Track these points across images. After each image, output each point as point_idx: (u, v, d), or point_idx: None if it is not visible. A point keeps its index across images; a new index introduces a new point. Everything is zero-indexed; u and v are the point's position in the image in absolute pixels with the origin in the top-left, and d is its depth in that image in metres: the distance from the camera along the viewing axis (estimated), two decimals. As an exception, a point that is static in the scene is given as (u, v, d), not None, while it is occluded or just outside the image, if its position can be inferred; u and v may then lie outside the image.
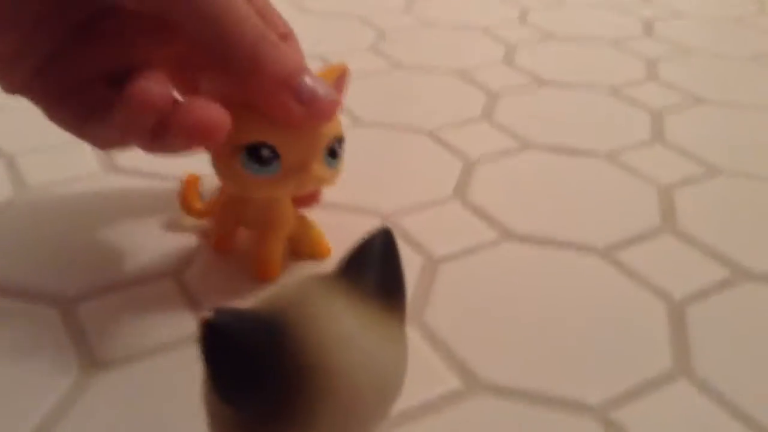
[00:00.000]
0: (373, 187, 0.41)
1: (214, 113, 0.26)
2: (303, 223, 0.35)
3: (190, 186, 0.37)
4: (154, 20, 0.29)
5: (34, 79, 0.29)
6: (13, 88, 0.30)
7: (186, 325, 0.31)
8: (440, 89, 0.54)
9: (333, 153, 0.31)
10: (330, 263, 0.35)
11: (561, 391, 0.29)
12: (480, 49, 0.62)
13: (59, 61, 0.29)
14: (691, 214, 0.40)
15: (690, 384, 0.29)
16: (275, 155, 0.29)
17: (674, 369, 0.30)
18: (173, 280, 0.34)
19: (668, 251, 0.37)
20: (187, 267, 0.35)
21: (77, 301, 0.32)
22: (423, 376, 0.29)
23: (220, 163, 0.30)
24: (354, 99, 0.51)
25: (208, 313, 0.18)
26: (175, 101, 0.27)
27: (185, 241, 0.36)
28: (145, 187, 0.41)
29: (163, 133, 0.27)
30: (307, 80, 0.28)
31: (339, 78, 0.32)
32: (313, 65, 0.51)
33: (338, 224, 0.38)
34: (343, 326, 0.20)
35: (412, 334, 0.31)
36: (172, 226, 0.37)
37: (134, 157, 0.43)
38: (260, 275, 0.34)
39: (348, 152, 0.43)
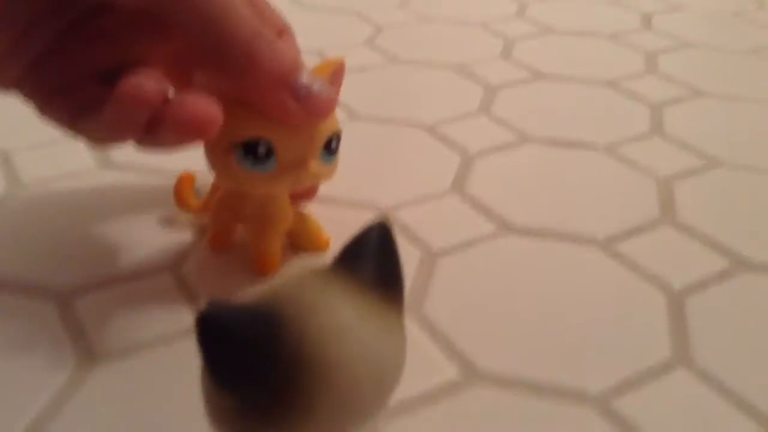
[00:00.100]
0: (371, 180, 0.41)
1: (206, 108, 0.26)
2: (301, 217, 0.35)
3: (185, 183, 0.36)
4: (149, 18, 0.29)
5: (27, 76, 0.29)
6: (5, 85, 0.29)
7: (184, 319, 0.31)
8: (438, 84, 0.54)
9: (330, 149, 0.30)
10: (329, 256, 0.35)
11: (560, 381, 0.29)
12: (478, 44, 0.62)
13: (53, 59, 0.29)
14: (691, 206, 0.40)
15: (689, 373, 0.29)
16: (271, 152, 0.29)
17: (674, 358, 0.30)
18: (171, 275, 0.34)
19: (667, 243, 0.37)
20: (184, 261, 0.34)
21: (74, 295, 0.32)
22: (422, 366, 0.29)
23: (215, 160, 0.30)
24: (351, 93, 0.51)
25: (204, 306, 0.18)
26: (168, 96, 0.27)
27: (182, 236, 0.36)
28: (140, 183, 0.40)
29: (155, 128, 0.27)
30: (304, 78, 0.28)
31: (335, 73, 0.32)
32: (310, 60, 0.51)
33: (336, 218, 0.38)
34: (340, 318, 0.19)
35: (411, 326, 0.31)
36: (168, 222, 0.37)
37: (129, 153, 0.43)
38: (259, 270, 0.34)
39: (346, 146, 0.43)
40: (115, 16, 0.29)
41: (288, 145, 0.29)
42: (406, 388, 0.28)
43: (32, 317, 0.31)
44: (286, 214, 0.34)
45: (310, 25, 0.64)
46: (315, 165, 0.30)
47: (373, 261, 0.21)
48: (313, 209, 0.37)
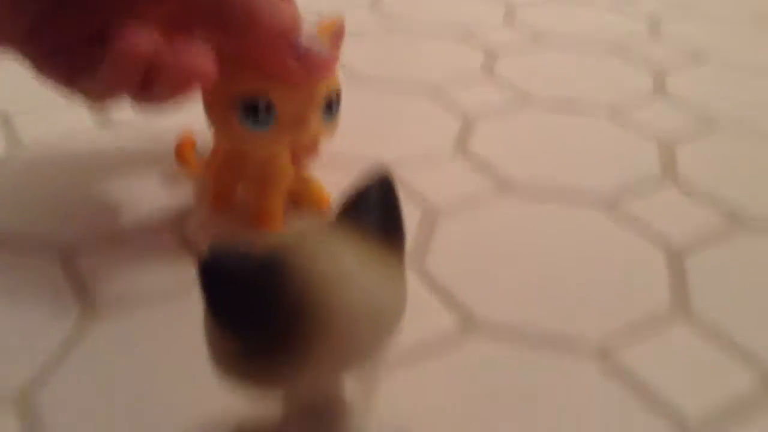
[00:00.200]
0: (373, 141, 0.41)
1: (200, 58, 0.26)
2: (302, 176, 0.35)
3: (185, 143, 0.36)
4: None
5: (26, 36, 0.29)
6: (5, 45, 0.29)
7: (185, 274, 0.31)
8: (440, 46, 0.54)
9: (330, 108, 0.30)
10: (330, 213, 0.35)
11: (559, 333, 0.29)
12: (480, 7, 0.61)
13: (52, 20, 0.29)
14: (692, 167, 0.40)
15: (688, 326, 0.29)
16: (271, 109, 0.29)
17: (673, 311, 0.30)
18: (173, 232, 0.34)
19: (668, 202, 0.37)
20: (186, 219, 0.34)
21: (76, 250, 0.32)
22: (423, 319, 0.29)
23: (216, 119, 0.30)
24: (353, 55, 0.51)
25: (206, 249, 0.18)
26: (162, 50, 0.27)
27: (183, 195, 0.36)
28: (140, 143, 0.40)
29: (150, 83, 0.27)
30: (303, 36, 0.28)
31: (336, 33, 0.32)
32: (310, 20, 0.51)
33: (338, 177, 0.37)
34: (342, 264, 0.19)
35: (412, 281, 0.31)
36: (169, 181, 0.37)
37: (129, 113, 0.43)
38: (260, 228, 0.34)
39: (348, 107, 0.42)
40: None
41: (288, 102, 0.29)
42: (407, 340, 0.28)
43: (35, 272, 0.31)
44: (287, 173, 0.34)
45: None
46: (315, 123, 0.30)
47: (375, 210, 0.21)
48: (314, 169, 0.37)
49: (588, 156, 0.41)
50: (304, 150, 0.38)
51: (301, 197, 0.35)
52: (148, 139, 0.41)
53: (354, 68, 0.50)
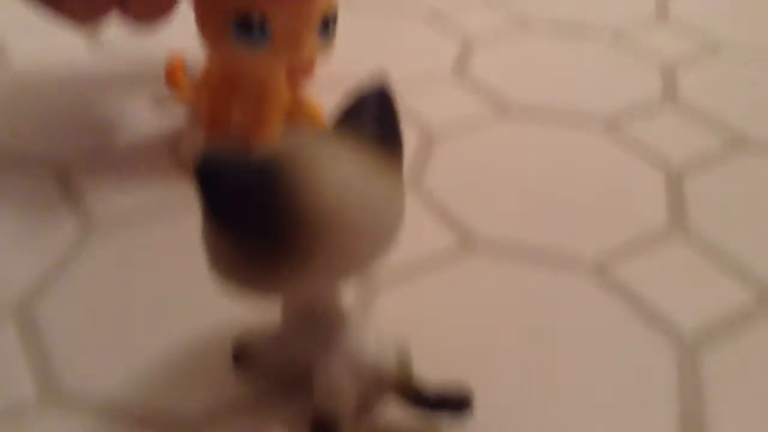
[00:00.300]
0: (370, 63, 0.41)
1: None
2: (298, 98, 0.35)
3: (174, 67, 0.36)
4: None
5: None
6: None
7: (180, 191, 0.31)
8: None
9: (326, 27, 0.30)
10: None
11: (557, 251, 0.29)
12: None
13: None
14: (693, 89, 0.39)
15: (685, 242, 0.29)
16: (265, 27, 0.28)
17: (670, 228, 0.30)
18: (166, 151, 0.33)
19: (669, 123, 0.37)
20: (179, 139, 0.34)
21: (71, 169, 0.32)
22: (421, 238, 0.29)
23: (209, 36, 0.30)
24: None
25: (203, 151, 0.18)
26: None
27: (176, 116, 0.36)
28: (132, 65, 0.40)
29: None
30: None
31: None
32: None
33: (334, 100, 0.37)
34: (339, 168, 0.19)
35: (410, 201, 0.31)
36: (163, 102, 0.37)
37: (120, 36, 0.42)
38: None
39: (345, 30, 0.42)
40: None
41: (283, 20, 0.28)
42: (405, 258, 0.28)
43: (30, 189, 0.31)
44: (283, 95, 0.33)
45: None
46: (311, 43, 0.29)
47: (373, 118, 0.21)
48: (310, 90, 0.37)
49: (588, 79, 0.40)
50: (300, 72, 0.37)
51: (297, 119, 0.35)
52: (140, 62, 0.40)
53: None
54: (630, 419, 0.23)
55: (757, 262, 0.29)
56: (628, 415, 0.23)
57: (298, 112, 0.35)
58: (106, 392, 0.23)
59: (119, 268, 0.27)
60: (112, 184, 0.31)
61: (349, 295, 0.26)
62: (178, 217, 0.30)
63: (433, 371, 0.24)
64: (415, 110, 0.37)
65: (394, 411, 0.22)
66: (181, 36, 0.40)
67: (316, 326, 0.22)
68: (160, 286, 0.27)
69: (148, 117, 0.36)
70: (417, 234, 0.29)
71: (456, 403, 0.21)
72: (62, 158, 0.33)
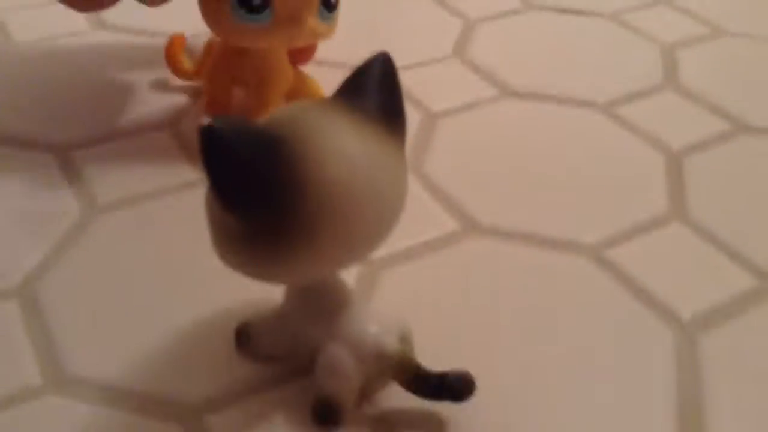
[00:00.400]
0: (374, 45, 0.41)
1: None
2: (300, 78, 0.35)
3: (175, 46, 0.36)
4: None
5: None
6: None
7: (182, 172, 0.31)
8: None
9: (328, 5, 0.29)
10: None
11: (557, 233, 0.29)
12: None
13: None
14: (693, 72, 0.39)
15: (684, 226, 0.29)
16: (267, 2, 0.28)
17: (669, 213, 0.30)
18: (169, 132, 0.33)
19: (668, 106, 0.37)
20: (181, 121, 0.34)
21: (74, 149, 0.32)
22: (422, 220, 0.29)
23: (209, 10, 0.29)
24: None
25: (208, 121, 0.18)
26: None
27: (177, 97, 0.36)
28: (134, 44, 0.40)
29: None
30: None
31: None
32: None
33: (335, 80, 0.37)
34: (342, 141, 0.19)
35: (412, 184, 0.31)
36: (164, 83, 0.37)
37: (123, 14, 0.42)
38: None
39: (345, 9, 0.42)
40: None
41: None
42: (406, 239, 0.28)
43: (33, 168, 0.31)
44: (286, 74, 0.33)
45: None
46: (312, 20, 0.29)
47: (375, 92, 0.21)
48: (311, 71, 0.37)
49: (589, 61, 0.40)
50: (301, 51, 0.37)
51: (298, 98, 0.35)
52: (143, 41, 0.40)
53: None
54: (629, 401, 0.23)
55: (756, 246, 0.29)
56: (627, 397, 0.23)
57: (298, 91, 0.35)
58: (109, 376, 0.23)
59: (122, 249, 0.27)
60: (114, 165, 0.31)
61: (350, 277, 0.27)
62: (180, 198, 0.30)
63: (433, 353, 0.24)
64: (415, 91, 0.37)
65: (395, 394, 0.23)
66: (182, 15, 0.39)
67: (319, 308, 0.22)
68: (163, 268, 0.27)
69: (149, 96, 0.36)
70: (417, 215, 0.30)
71: (457, 386, 0.21)
72: (64, 139, 0.33)
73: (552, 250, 0.28)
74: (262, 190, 0.18)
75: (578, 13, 0.45)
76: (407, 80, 0.38)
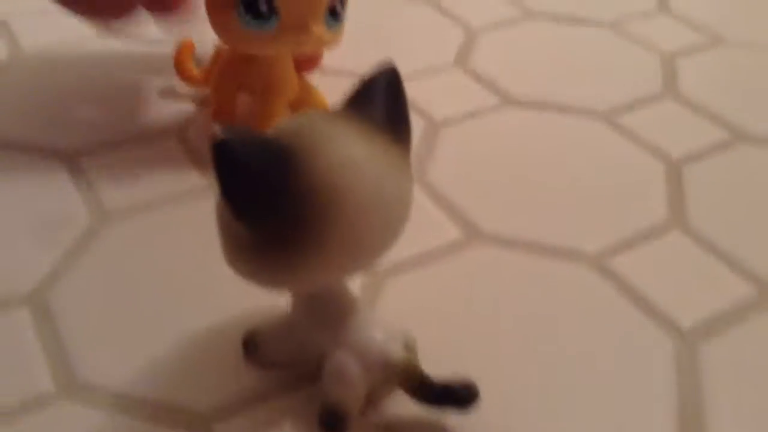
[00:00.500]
0: (376, 54, 0.41)
1: None
2: (305, 87, 0.35)
3: (184, 52, 0.36)
4: None
5: None
6: None
7: (190, 179, 0.32)
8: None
9: (334, 13, 0.30)
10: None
11: (558, 241, 0.29)
12: None
13: None
14: (693, 81, 0.40)
15: (684, 235, 0.30)
16: (273, 9, 0.28)
17: (669, 222, 0.31)
18: (176, 140, 0.34)
19: (668, 115, 0.37)
20: (188, 128, 0.35)
21: (82, 156, 0.33)
22: (425, 228, 0.30)
23: (216, 17, 0.30)
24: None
25: (219, 133, 0.18)
26: None
27: (185, 104, 0.36)
28: (142, 50, 0.40)
29: None
30: None
31: None
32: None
33: (340, 90, 0.37)
34: (350, 151, 0.20)
35: (416, 192, 0.31)
36: (171, 90, 0.37)
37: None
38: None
39: (349, 18, 0.42)
40: None
41: (290, 2, 0.28)
42: (409, 248, 0.29)
43: (43, 176, 0.31)
44: (291, 82, 0.34)
45: None
46: (318, 28, 0.29)
47: (382, 103, 0.21)
48: (316, 80, 0.37)
49: (590, 69, 0.40)
50: (307, 59, 0.37)
51: (302, 107, 0.35)
52: (149, 46, 0.40)
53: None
54: (630, 408, 0.23)
55: (755, 254, 0.29)
56: (627, 405, 0.23)
57: (302, 100, 0.35)
58: (119, 383, 0.23)
59: (131, 257, 0.28)
60: (122, 172, 0.32)
61: (355, 285, 0.27)
62: (188, 205, 0.30)
63: (436, 361, 0.24)
64: (418, 100, 0.37)
65: (400, 402, 0.23)
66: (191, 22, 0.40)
67: (325, 315, 0.23)
68: (172, 276, 0.27)
69: (157, 103, 0.36)
70: (421, 223, 0.30)
71: (462, 395, 0.22)
72: (72, 145, 0.33)
73: (554, 258, 0.29)
74: (272, 200, 0.19)
75: (578, 22, 0.45)
76: (410, 89, 0.38)
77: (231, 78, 0.34)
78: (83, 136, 0.34)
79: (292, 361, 0.24)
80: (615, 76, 0.40)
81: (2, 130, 0.34)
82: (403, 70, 0.38)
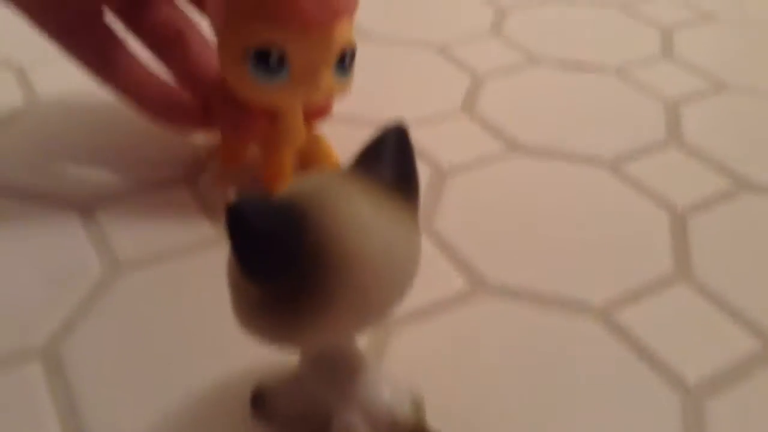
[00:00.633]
0: (382, 100, 0.42)
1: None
2: (312, 137, 0.35)
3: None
4: None
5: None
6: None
7: (201, 229, 0.32)
8: (448, 3, 0.54)
9: (344, 63, 0.30)
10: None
11: (564, 293, 0.30)
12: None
13: None
14: (697, 129, 0.40)
15: (690, 288, 0.30)
16: (283, 61, 0.29)
17: (675, 274, 0.31)
18: (187, 187, 0.34)
19: (673, 164, 0.37)
20: (199, 174, 0.35)
21: (95, 205, 0.33)
22: (431, 278, 0.30)
23: (228, 69, 0.30)
24: (361, 13, 0.51)
25: (233, 198, 0.19)
26: None
27: (196, 149, 0.37)
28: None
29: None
30: None
31: None
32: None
33: (347, 137, 0.38)
34: (360, 212, 0.20)
35: (423, 241, 0.32)
36: (182, 138, 0.38)
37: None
38: (271, 186, 0.34)
39: (356, 66, 0.43)
40: None
41: (301, 54, 0.29)
42: (416, 298, 0.29)
43: (55, 226, 0.32)
44: (299, 131, 0.34)
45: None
46: (328, 78, 0.30)
47: (391, 161, 0.22)
48: (323, 127, 0.38)
49: (595, 116, 0.41)
50: (317, 109, 0.38)
51: (310, 158, 0.36)
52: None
53: (362, 26, 0.50)
54: (635, 467, 0.23)
55: (761, 308, 0.29)
56: (633, 463, 0.24)
57: (310, 150, 0.35)
58: (130, 434, 0.24)
59: (142, 309, 0.28)
60: (134, 221, 0.32)
61: (361, 338, 0.27)
62: (199, 255, 0.31)
63: (443, 414, 0.24)
64: (424, 148, 0.38)
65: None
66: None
67: (334, 373, 0.23)
68: (182, 328, 0.28)
69: (169, 150, 0.37)
70: (427, 274, 0.30)
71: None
72: (85, 195, 0.34)
73: (560, 311, 0.29)
74: (283, 262, 0.19)
75: (582, 67, 0.46)
76: (417, 136, 0.39)
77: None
78: (96, 185, 0.34)
79: (300, 417, 0.24)
80: (620, 123, 0.41)
81: (15, 179, 0.35)
82: (410, 117, 0.40)
